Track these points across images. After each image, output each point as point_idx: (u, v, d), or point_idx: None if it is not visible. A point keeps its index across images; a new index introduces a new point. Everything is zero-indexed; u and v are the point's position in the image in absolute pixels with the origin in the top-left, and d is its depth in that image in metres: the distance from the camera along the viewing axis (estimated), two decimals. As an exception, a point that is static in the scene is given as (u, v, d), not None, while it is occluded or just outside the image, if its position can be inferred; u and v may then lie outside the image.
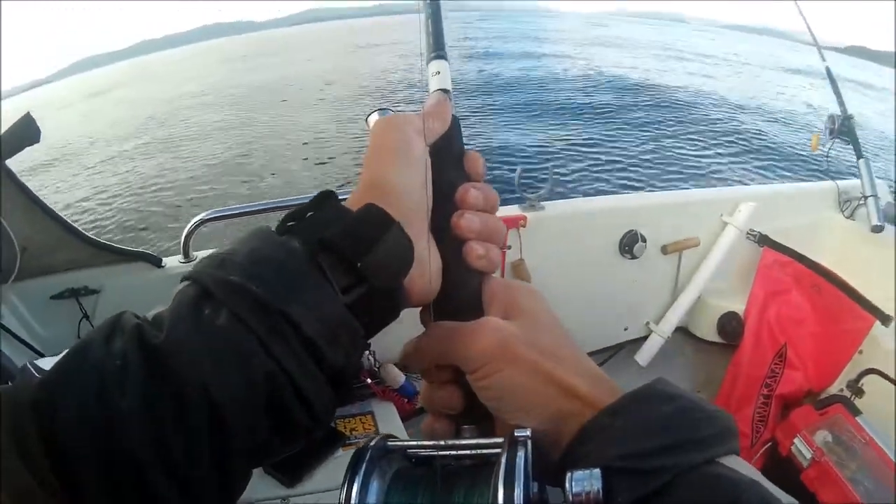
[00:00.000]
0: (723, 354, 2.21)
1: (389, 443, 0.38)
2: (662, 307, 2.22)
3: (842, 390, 2.01)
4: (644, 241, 2.02)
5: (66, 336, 1.55)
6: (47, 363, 0.30)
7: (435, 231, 0.42)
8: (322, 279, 0.34)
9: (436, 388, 0.42)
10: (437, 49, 0.49)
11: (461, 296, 0.42)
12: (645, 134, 8.74)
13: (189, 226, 1.67)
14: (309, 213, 0.37)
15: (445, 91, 0.48)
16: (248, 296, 0.31)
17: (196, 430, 0.29)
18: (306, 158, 8.39)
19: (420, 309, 0.43)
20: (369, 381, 1.77)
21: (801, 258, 2.11)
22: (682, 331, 2.28)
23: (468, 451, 0.37)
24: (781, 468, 1.91)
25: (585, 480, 0.30)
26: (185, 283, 0.34)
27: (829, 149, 2.33)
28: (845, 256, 2.16)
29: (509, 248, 1.90)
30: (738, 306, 2.17)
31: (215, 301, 0.31)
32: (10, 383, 0.30)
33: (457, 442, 0.38)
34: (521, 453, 0.32)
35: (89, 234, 1.62)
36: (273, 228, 0.36)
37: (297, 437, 0.34)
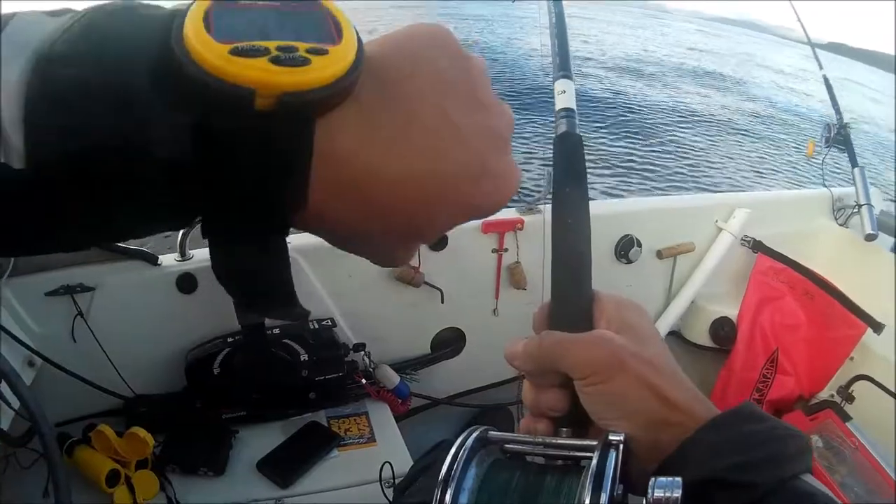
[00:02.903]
0: (715, 359, 2.22)
1: (490, 434, 0.40)
2: (656, 311, 2.23)
3: (832, 396, 2.03)
4: (640, 245, 2.03)
5: (61, 333, 1.54)
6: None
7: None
8: None
9: (541, 390, 0.44)
10: (563, 69, 0.51)
11: (574, 309, 0.46)
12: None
13: None
14: None
15: (569, 110, 0.49)
16: None
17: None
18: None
19: (535, 319, 0.47)
20: (364, 381, 1.78)
21: (794, 265, 2.13)
22: (675, 335, 2.29)
23: (564, 452, 0.40)
24: (771, 473, 1.93)
25: (667, 487, 0.32)
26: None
27: (825, 156, 2.35)
28: (839, 264, 2.18)
29: (506, 250, 1.91)
30: (732, 311, 2.18)
31: None
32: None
33: (556, 440, 0.41)
34: (612, 455, 0.35)
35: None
36: None
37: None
